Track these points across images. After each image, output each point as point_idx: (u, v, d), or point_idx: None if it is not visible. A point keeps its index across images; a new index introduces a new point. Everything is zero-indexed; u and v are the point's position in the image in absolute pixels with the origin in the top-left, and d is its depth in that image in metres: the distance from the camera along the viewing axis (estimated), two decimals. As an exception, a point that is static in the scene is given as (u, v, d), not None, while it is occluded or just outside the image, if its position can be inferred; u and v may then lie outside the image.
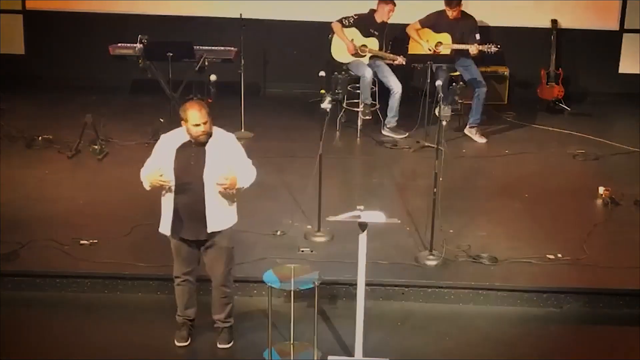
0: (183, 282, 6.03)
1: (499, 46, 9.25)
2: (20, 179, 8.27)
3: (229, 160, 5.76)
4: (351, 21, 9.52)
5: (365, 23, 9.53)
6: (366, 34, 9.54)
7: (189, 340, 6.08)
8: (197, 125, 5.67)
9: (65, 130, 9.24)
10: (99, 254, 6.89)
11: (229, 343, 6.08)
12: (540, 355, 6.13)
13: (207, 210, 5.76)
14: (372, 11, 9.59)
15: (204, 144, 5.73)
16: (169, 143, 5.82)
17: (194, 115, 5.67)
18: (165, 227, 5.86)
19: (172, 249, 5.95)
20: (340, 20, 9.55)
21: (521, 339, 6.29)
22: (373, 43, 9.56)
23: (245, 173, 5.81)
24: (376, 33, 9.56)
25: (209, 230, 5.80)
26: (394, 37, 9.93)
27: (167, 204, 5.82)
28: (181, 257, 5.96)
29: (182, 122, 5.75)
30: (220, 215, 5.82)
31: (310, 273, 5.84)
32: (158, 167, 5.74)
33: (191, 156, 5.74)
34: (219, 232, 5.86)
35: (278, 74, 10.99)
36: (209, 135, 5.74)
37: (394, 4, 9.51)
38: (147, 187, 5.82)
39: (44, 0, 10.94)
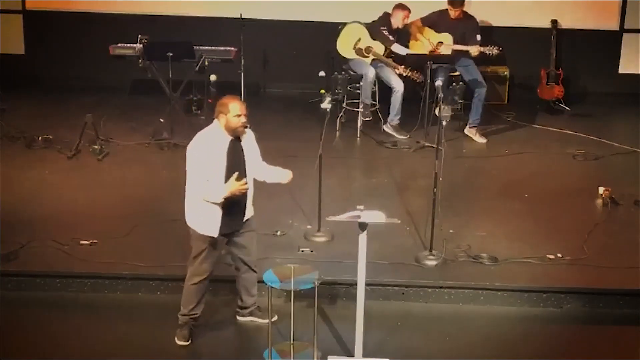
0: (205, 280, 6.06)
1: (500, 49, 9.26)
2: (20, 179, 8.27)
3: (256, 153, 6.05)
4: (387, 34, 9.48)
5: (386, 28, 9.53)
6: (376, 37, 9.54)
7: (190, 340, 6.09)
8: (239, 115, 5.80)
9: (65, 130, 9.25)
10: (99, 254, 6.88)
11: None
12: (541, 355, 6.13)
13: (248, 201, 6.00)
14: (387, 15, 9.58)
15: (240, 137, 5.88)
16: (210, 149, 5.82)
17: (236, 106, 5.81)
18: (211, 228, 5.89)
19: (207, 249, 5.95)
20: (390, 43, 9.48)
21: (521, 339, 6.29)
22: (378, 46, 9.55)
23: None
24: (390, 38, 9.54)
25: (246, 218, 6.03)
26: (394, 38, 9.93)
27: (211, 205, 5.83)
28: (215, 256, 6.03)
29: (220, 115, 5.81)
30: (251, 202, 6.06)
31: (310, 273, 5.83)
32: (225, 176, 5.81)
33: (234, 153, 5.88)
34: (249, 218, 6.09)
35: (278, 74, 10.99)
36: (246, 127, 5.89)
37: (409, 11, 9.51)
38: (221, 199, 5.80)
39: (44, 0, 10.95)
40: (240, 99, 5.93)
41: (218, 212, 5.85)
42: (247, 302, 6.27)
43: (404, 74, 9.39)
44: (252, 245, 6.16)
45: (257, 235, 6.69)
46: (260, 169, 6.11)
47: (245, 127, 5.87)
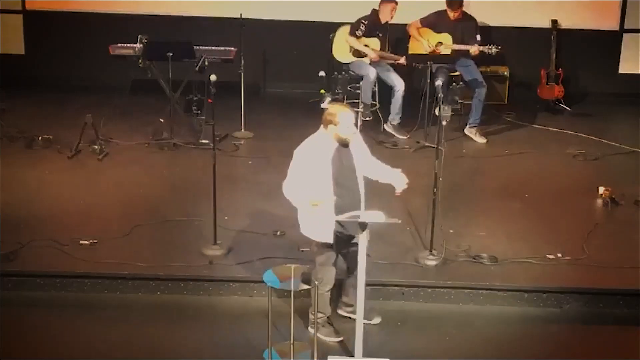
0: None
1: (499, 47, 9.25)
2: (20, 179, 8.27)
3: (365, 154, 6.03)
4: (364, 30, 9.46)
5: (372, 26, 9.52)
6: (369, 34, 9.54)
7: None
8: (350, 127, 5.81)
9: (65, 130, 9.25)
10: (99, 254, 6.88)
11: None
12: (541, 355, 6.13)
13: (363, 205, 5.90)
14: (375, 11, 9.58)
15: (348, 144, 5.86)
16: (317, 156, 5.85)
17: (347, 118, 5.79)
18: (329, 235, 5.89)
19: (328, 257, 5.99)
20: (353, 33, 9.48)
21: (521, 339, 6.29)
22: (375, 43, 9.55)
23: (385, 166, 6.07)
24: (380, 34, 9.55)
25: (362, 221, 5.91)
26: (395, 37, 9.93)
27: (326, 212, 5.82)
28: (333, 261, 6.05)
29: (329, 125, 5.81)
30: (363, 204, 5.97)
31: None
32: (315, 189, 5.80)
33: (340, 159, 5.86)
34: None
35: (278, 74, 10.99)
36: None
37: (396, 3, 9.50)
38: (299, 204, 5.85)
39: (44, 0, 10.95)
40: (348, 108, 5.92)
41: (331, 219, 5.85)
42: (353, 300, 6.16)
43: (405, 63, 9.41)
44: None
45: (257, 235, 6.71)
46: (371, 168, 6.09)
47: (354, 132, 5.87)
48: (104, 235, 7.13)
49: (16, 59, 10.95)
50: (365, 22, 9.49)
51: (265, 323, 5.81)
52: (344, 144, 5.87)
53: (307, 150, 5.87)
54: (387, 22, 9.60)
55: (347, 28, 9.60)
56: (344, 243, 6.03)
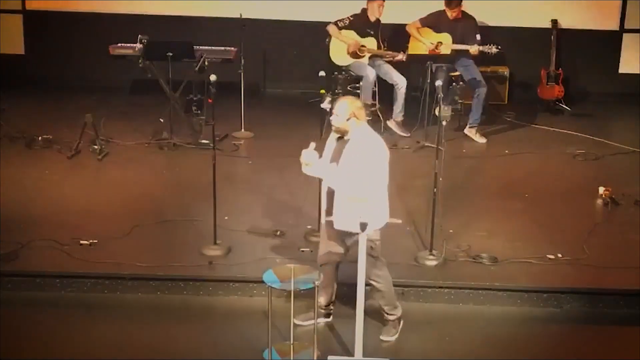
0: None
1: (499, 47, 9.25)
2: (20, 179, 8.27)
3: (354, 163, 5.77)
4: (346, 23, 9.50)
5: (360, 23, 9.52)
6: (363, 34, 9.53)
7: None
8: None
9: (65, 130, 9.25)
10: (99, 254, 6.88)
11: None
12: (541, 355, 6.13)
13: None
14: (364, 10, 9.59)
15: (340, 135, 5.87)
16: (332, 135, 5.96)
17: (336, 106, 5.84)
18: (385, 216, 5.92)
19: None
20: (335, 23, 9.53)
21: (521, 339, 6.29)
22: (371, 42, 9.55)
23: (342, 177, 5.79)
24: (372, 32, 9.55)
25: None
26: (394, 37, 9.93)
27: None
28: None
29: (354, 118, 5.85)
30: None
31: (310, 273, 5.83)
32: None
33: (338, 146, 5.89)
34: None
35: (278, 74, 10.99)
36: (337, 130, 5.85)
37: (383, 0, 9.51)
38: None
39: (44, 0, 10.95)
40: (348, 99, 5.93)
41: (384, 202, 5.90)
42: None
43: (404, 59, 9.41)
44: None
45: (257, 235, 6.71)
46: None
47: (335, 127, 5.86)
48: (104, 235, 7.13)
49: (16, 59, 10.95)
50: (352, 18, 9.51)
51: (265, 323, 5.81)
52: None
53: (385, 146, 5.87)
54: (377, 20, 9.60)
55: (344, 31, 9.58)
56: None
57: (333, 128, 5.89)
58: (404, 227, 7.32)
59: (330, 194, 5.84)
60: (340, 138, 5.90)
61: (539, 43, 10.73)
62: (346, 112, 5.78)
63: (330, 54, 9.62)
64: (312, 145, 5.89)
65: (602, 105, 10.75)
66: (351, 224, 5.60)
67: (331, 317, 6.30)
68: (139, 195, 8.04)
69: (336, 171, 5.81)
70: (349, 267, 6.08)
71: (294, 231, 7.35)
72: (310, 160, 5.84)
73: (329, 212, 5.85)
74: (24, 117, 9.81)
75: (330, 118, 5.88)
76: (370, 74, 9.46)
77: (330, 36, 9.57)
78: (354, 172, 5.73)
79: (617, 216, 7.84)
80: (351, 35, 9.51)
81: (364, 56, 9.54)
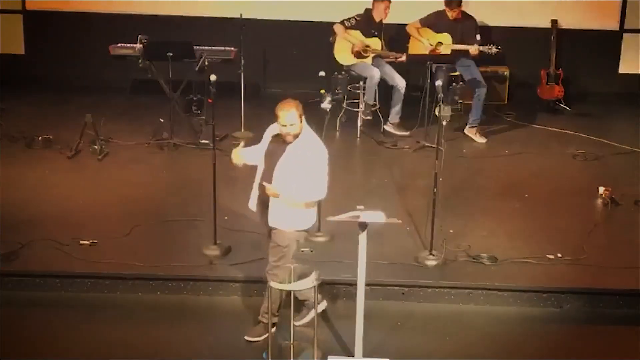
0: None
1: (499, 47, 9.25)
2: (20, 179, 8.27)
3: (299, 167, 5.81)
4: (353, 23, 9.50)
5: (366, 24, 9.53)
6: (368, 34, 9.54)
7: None
8: (284, 125, 5.89)
9: (65, 130, 9.24)
10: (99, 254, 6.88)
11: None
12: (540, 355, 6.13)
13: (270, 202, 5.88)
14: (369, 11, 9.58)
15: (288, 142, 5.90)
16: (271, 129, 6.05)
17: (282, 116, 5.92)
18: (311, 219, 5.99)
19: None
20: (342, 22, 9.53)
21: (521, 339, 6.29)
22: (376, 43, 9.56)
23: (300, 187, 5.80)
24: (376, 33, 9.56)
25: (270, 224, 5.94)
26: (394, 36, 9.93)
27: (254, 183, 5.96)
28: None
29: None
30: (279, 213, 5.89)
31: (310, 273, 5.83)
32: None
33: (276, 147, 5.92)
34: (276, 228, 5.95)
35: (278, 74, 10.98)
36: (294, 136, 5.91)
37: (389, 1, 9.51)
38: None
39: (44, 0, 10.95)
40: (294, 105, 6.05)
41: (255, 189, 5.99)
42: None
43: (404, 60, 9.42)
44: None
45: (257, 235, 6.70)
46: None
47: (293, 135, 5.92)
48: (104, 235, 7.13)
49: (16, 59, 10.95)
50: (358, 18, 9.52)
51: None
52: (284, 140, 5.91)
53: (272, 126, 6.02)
54: (381, 21, 9.60)
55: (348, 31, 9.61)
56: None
57: (288, 138, 5.88)
58: (404, 227, 7.32)
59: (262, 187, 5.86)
60: (277, 135, 5.94)
61: (539, 43, 10.73)
62: (297, 116, 5.91)
63: (335, 53, 9.61)
64: (242, 144, 6.09)
65: (602, 105, 10.75)
66: (284, 222, 5.84)
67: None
68: (139, 195, 8.03)
69: (287, 179, 5.81)
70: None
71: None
72: (241, 161, 6.01)
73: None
74: (24, 117, 9.82)
75: (286, 132, 5.87)
76: (375, 74, 9.45)
77: (334, 35, 9.57)
78: (307, 175, 5.78)
79: (617, 216, 7.84)
80: (357, 35, 9.51)
81: (367, 57, 9.54)
